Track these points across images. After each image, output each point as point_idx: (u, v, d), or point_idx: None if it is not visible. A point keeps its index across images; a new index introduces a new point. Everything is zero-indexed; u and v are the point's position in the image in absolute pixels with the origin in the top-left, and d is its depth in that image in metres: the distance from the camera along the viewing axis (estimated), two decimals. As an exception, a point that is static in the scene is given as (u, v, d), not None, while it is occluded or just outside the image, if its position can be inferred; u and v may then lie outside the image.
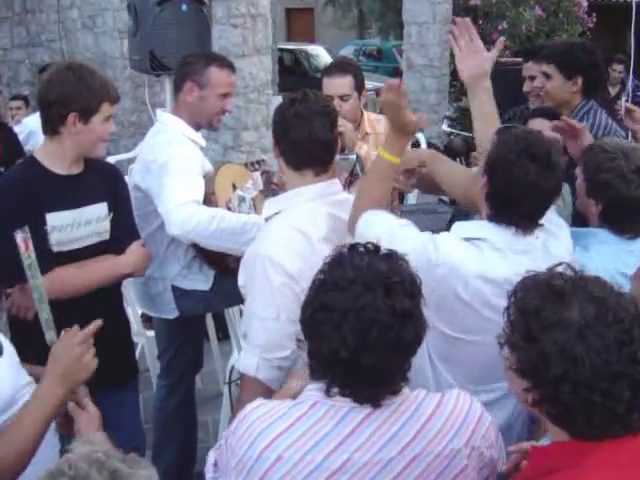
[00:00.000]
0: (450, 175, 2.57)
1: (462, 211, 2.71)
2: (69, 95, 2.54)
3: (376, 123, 3.69)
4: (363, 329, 1.55)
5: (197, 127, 3.22)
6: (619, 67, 8.19)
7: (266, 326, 2.24)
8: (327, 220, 2.35)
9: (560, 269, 1.53)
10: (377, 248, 1.68)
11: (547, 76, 3.35)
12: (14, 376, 1.98)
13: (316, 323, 1.61)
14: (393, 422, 1.64)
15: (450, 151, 7.22)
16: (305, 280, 2.03)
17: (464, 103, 9.33)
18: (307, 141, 2.32)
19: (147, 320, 4.16)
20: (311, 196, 2.36)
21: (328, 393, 1.65)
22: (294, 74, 17.87)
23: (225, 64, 3.21)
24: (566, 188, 2.61)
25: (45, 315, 1.96)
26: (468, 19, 2.59)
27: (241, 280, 2.36)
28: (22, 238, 1.93)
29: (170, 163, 2.97)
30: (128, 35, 4.90)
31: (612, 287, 1.46)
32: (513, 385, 1.52)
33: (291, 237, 2.28)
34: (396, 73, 17.36)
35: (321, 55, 19.86)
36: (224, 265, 3.13)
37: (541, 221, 2.16)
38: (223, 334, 4.75)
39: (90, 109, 2.57)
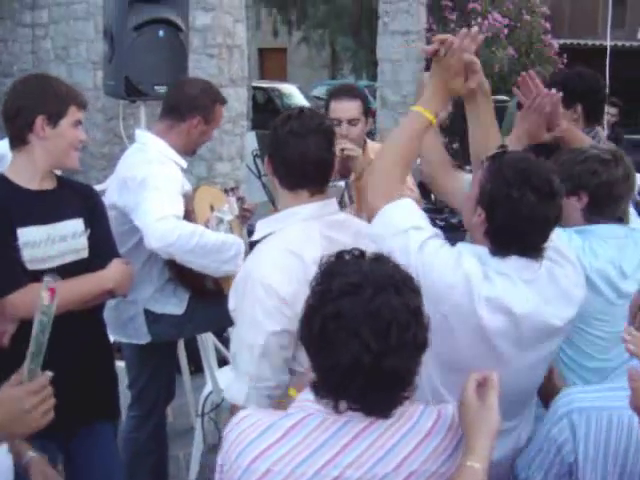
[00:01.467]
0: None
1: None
2: (35, 99, 2.48)
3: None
4: (383, 331, 1.49)
5: (182, 153, 3.21)
6: (612, 110, 7.49)
7: (255, 354, 2.11)
8: (321, 242, 2.20)
9: None
10: (362, 253, 1.63)
11: None
12: None
13: (328, 334, 1.53)
14: (390, 436, 1.57)
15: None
16: (299, 303, 1.94)
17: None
18: (301, 160, 2.20)
19: (117, 350, 4.03)
20: (306, 216, 2.23)
21: (337, 409, 1.56)
22: (267, 112, 17.88)
23: (224, 101, 3.32)
24: None
25: (33, 366, 1.63)
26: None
27: (232, 303, 2.22)
28: (49, 285, 1.59)
29: (149, 179, 2.91)
30: (103, 61, 4.84)
31: None
32: None
33: (284, 259, 2.15)
34: (369, 112, 17.51)
35: (293, 94, 19.98)
36: (200, 286, 3.07)
37: (545, 244, 2.06)
38: (195, 367, 4.63)
39: (58, 111, 2.49)
